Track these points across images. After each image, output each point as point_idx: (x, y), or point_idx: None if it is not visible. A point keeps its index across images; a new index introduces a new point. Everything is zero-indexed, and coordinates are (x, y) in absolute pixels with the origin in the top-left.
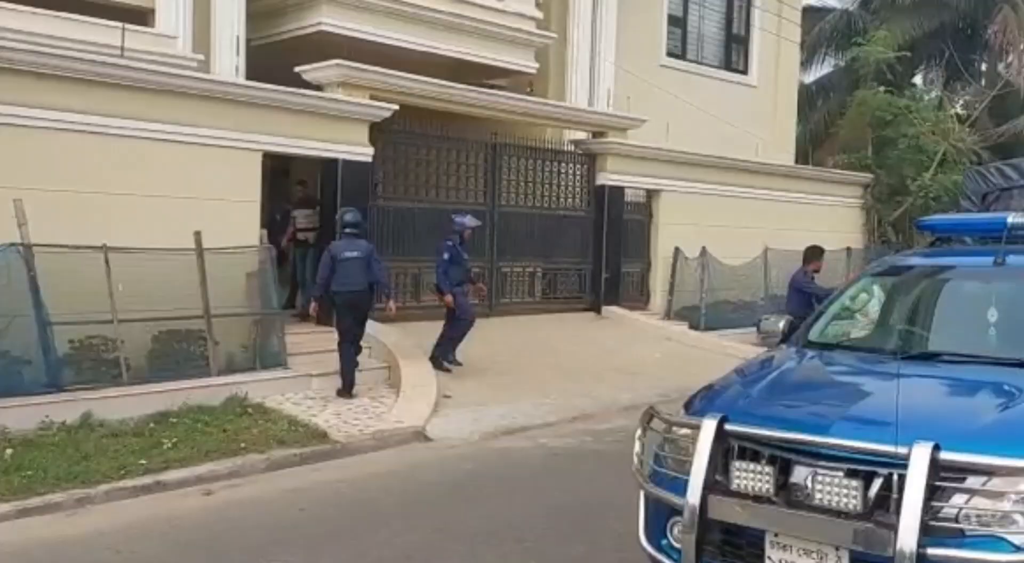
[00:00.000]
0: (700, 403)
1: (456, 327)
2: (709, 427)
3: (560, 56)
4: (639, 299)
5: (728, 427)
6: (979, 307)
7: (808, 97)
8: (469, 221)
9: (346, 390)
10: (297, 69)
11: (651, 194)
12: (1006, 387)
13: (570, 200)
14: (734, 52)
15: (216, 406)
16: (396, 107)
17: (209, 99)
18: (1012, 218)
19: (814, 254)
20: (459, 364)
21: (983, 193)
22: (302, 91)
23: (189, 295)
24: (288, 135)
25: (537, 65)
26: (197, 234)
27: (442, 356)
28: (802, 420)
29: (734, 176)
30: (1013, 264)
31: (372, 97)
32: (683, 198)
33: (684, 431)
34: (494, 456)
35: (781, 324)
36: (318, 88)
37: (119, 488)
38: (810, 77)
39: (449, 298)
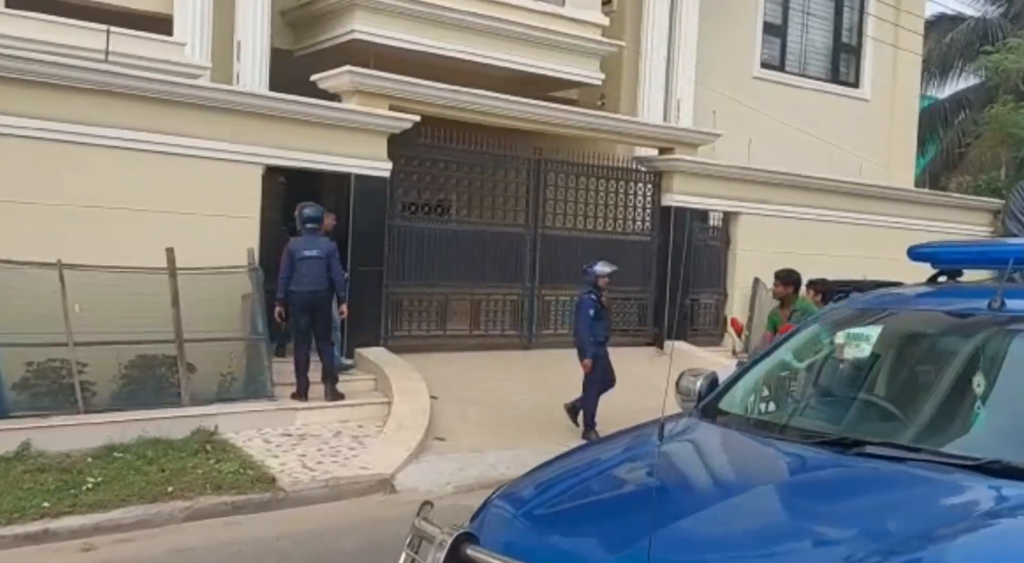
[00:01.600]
0: (484, 511)
1: (596, 390)
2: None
3: (634, 67)
4: (712, 333)
5: (470, 553)
6: (959, 371)
7: (942, 114)
8: (601, 268)
9: (300, 394)
10: (313, 77)
11: (728, 217)
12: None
13: (630, 223)
14: (843, 63)
15: (176, 439)
16: (416, 118)
17: (203, 108)
18: None
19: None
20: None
21: None
22: (307, 100)
23: (168, 318)
24: (293, 148)
25: (603, 76)
26: (169, 251)
27: (589, 427)
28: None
29: (831, 199)
30: (1014, 309)
31: (392, 108)
32: (766, 222)
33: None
34: (454, 513)
35: (699, 383)
36: (337, 98)
37: None
38: (946, 91)
39: (588, 363)
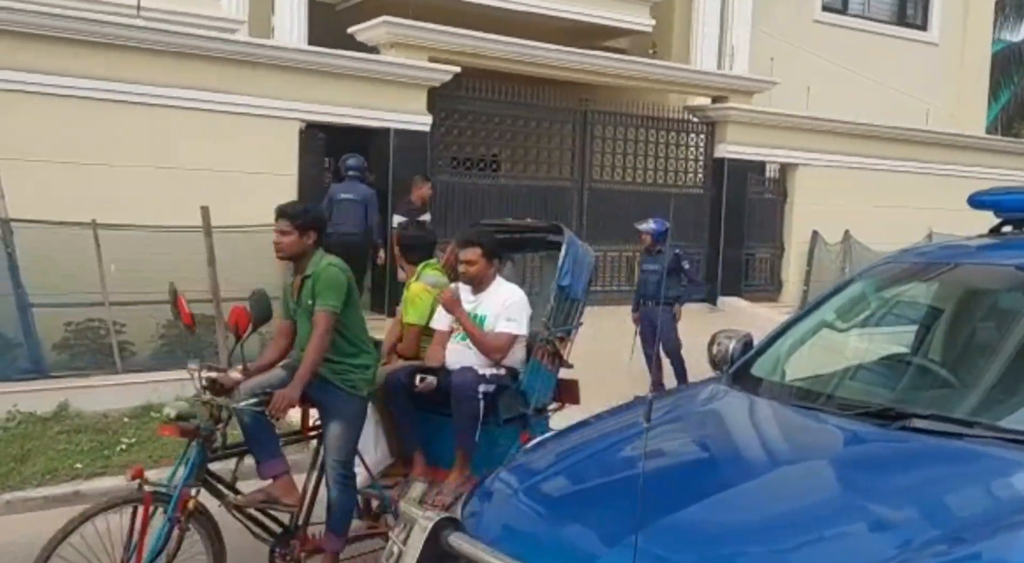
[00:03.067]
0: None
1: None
2: (414, 539)
3: (686, 13)
4: (768, 289)
5: (452, 540)
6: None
7: (1016, 58)
8: (646, 226)
9: None
10: (350, 30)
11: (785, 169)
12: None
13: (681, 175)
14: (910, 5)
15: None
16: (456, 69)
17: (237, 63)
18: None
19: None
20: None
21: None
22: (343, 52)
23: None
24: (330, 102)
25: (653, 22)
26: (204, 209)
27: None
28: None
29: (894, 148)
30: None
31: (432, 60)
32: (825, 173)
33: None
34: None
35: (731, 345)
36: (376, 51)
37: (27, 498)
38: (1021, 34)
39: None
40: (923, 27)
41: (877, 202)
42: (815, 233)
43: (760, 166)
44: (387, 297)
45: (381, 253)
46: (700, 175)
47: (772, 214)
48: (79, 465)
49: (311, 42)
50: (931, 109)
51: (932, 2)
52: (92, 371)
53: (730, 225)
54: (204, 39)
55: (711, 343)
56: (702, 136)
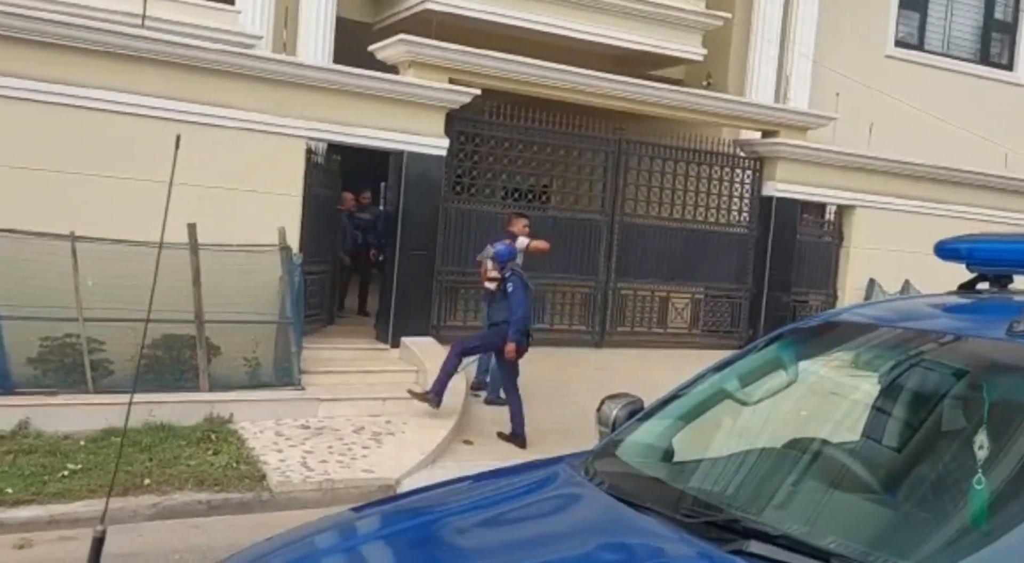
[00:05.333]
0: None
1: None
2: None
3: (744, 43)
4: None
5: None
6: (955, 429)
7: None
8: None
9: None
10: (371, 48)
11: (842, 210)
12: None
13: (724, 213)
14: (995, 43)
15: (183, 426)
16: (475, 91)
17: (241, 77)
18: None
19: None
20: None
21: None
22: (352, 70)
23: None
24: (342, 121)
25: (704, 51)
26: (191, 226)
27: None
28: None
29: (966, 193)
30: None
31: (454, 81)
32: (884, 216)
33: None
34: None
35: (614, 411)
36: (395, 70)
37: None
38: None
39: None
40: (1008, 67)
41: None
42: (872, 280)
43: (820, 208)
44: (390, 328)
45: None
46: (745, 213)
47: (827, 258)
48: (10, 490)
49: (337, 60)
50: (1011, 153)
51: (1020, 40)
52: (61, 389)
53: (777, 267)
54: (207, 51)
55: (599, 406)
56: (749, 172)
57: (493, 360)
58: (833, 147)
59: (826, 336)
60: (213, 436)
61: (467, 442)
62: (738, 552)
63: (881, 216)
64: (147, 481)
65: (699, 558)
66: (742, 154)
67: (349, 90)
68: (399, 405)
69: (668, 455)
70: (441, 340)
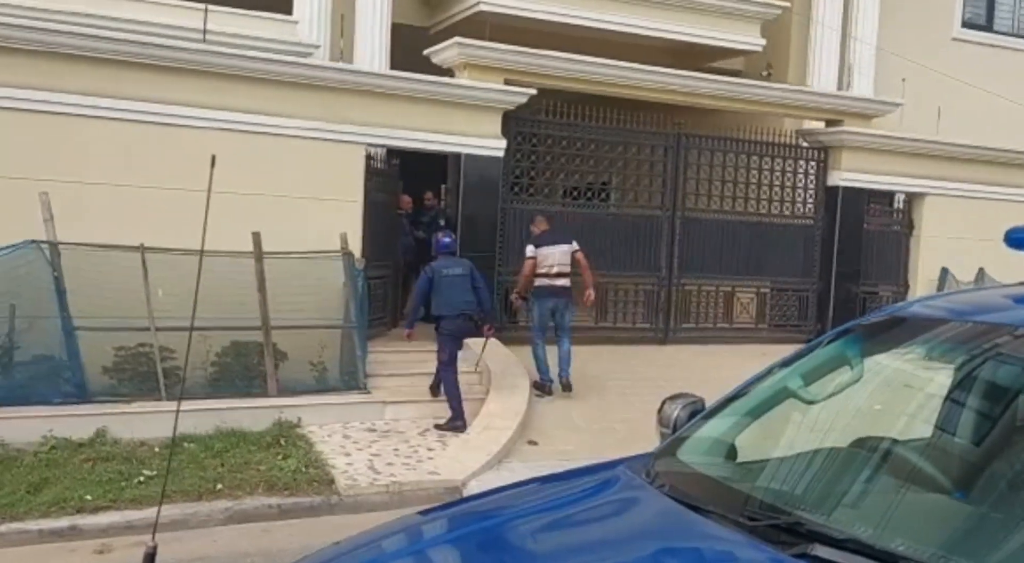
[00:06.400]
0: None
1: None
2: None
3: (804, 32)
4: None
5: None
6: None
7: None
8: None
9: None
10: (425, 52)
11: (912, 199)
12: None
13: (788, 205)
14: None
15: (253, 431)
16: (531, 91)
17: (300, 86)
18: None
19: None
20: None
21: None
22: (409, 75)
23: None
24: (399, 126)
25: (763, 42)
26: (255, 235)
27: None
28: None
29: None
30: None
31: (510, 82)
32: (957, 204)
33: None
34: None
35: (675, 413)
36: (450, 73)
37: (22, 530)
38: None
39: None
40: None
41: None
42: (944, 270)
43: (888, 196)
44: None
45: (490, 329)
46: (810, 205)
47: (896, 248)
48: (89, 497)
49: (394, 66)
50: None
51: None
52: (135, 397)
53: (845, 259)
54: (269, 62)
55: (660, 407)
56: (813, 163)
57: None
58: (899, 134)
59: (894, 331)
60: (282, 440)
61: (532, 443)
62: (802, 556)
63: (952, 203)
64: (219, 486)
65: (768, 558)
66: (805, 144)
67: (405, 95)
68: (464, 407)
69: (730, 456)
70: (503, 340)
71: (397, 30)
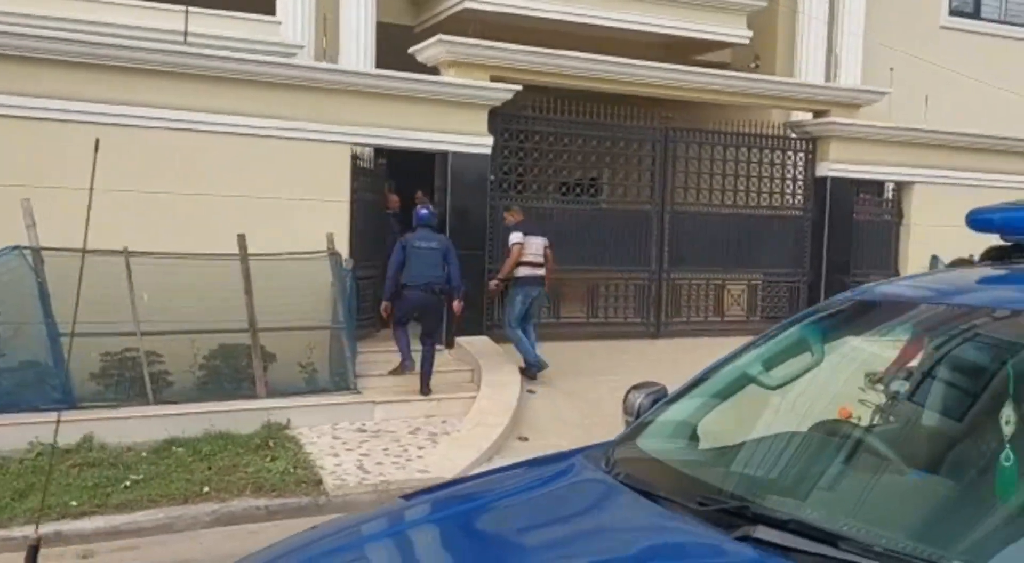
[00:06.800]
0: None
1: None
2: None
3: (790, 23)
4: None
5: None
6: (980, 406)
7: None
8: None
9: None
10: (410, 50)
11: (901, 187)
12: None
13: (777, 196)
14: None
15: (242, 434)
16: (516, 88)
17: (284, 86)
18: None
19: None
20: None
21: None
22: (393, 73)
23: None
24: (384, 125)
25: (750, 34)
26: (240, 237)
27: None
28: None
29: None
30: None
31: (495, 78)
32: (946, 192)
33: None
34: None
35: (638, 400)
36: (435, 71)
37: (7, 537)
38: None
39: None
40: None
41: None
42: (935, 258)
43: (878, 186)
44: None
45: (459, 303)
46: (800, 196)
47: (887, 237)
48: (74, 503)
49: (380, 65)
50: None
51: None
52: (122, 402)
53: (835, 249)
54: (251, 63)
55: (624, 397)
56: (801, 154)
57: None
58: (886, 123)
59: (854, 315)
60: (271, 442)
61: (523, 438)
62: (745, 538)
63: (941, 191)
64: (206, 489)
65: (701, 546)
66: (793, 136)
67: (389, 93)
68: (455, 405)
69: (687, 442)
70: (496, 339)
71: (384, 29)
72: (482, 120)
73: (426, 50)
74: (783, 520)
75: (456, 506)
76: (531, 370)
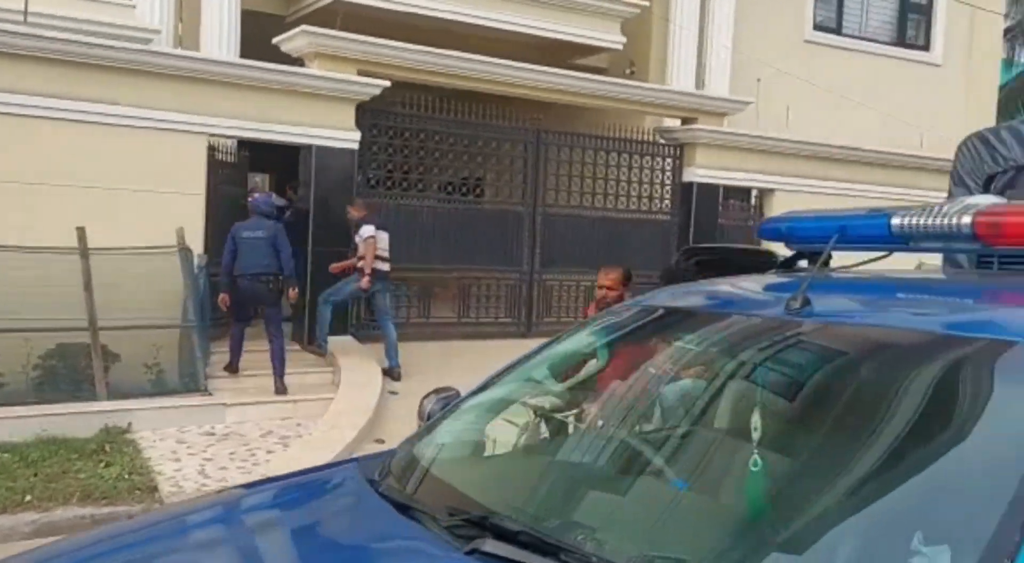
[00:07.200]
0: None
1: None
2: None
3: (664, 31)
4: None
5: None
6: (735, 416)
7: None
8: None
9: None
10: (275, 40)
11: (763, 194)
12: None
13: (646, 201)
14: (911, 25)
15: (77, 438)
16: (384, 83)
17: (136, 73)
18: (900, 217)
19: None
20: None
21: (989, 175)
22: (253, 63)
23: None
24: (244, 117)
25: (623, 39)
26: (80, 230)
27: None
28: None
29: (881, 173)
30: (822, 313)
31: (365, 73)
32: (804, 199)
33: None
34: None
35: (429, 406)
36: (301, 63)
37: None
38: None
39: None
40: (925, 47)
41: None
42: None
43: (745, 192)
44: (306, 328)
45: (293, 291)
46: (667, 200)
47: (749, 241)
48: None
49: (248, 55)
50: (933, 133)
51: (935, 21)
52: None
53: None
54: (96, 47)
55: (422, 401)
56: (669, 159)
57: None
58: (749, 131)
59: (638, 321)
60: (107, 447)
61: (379, 441)
62: (472, 552)
63: (799, 199)
64: (28, 498)
65: (431, 560)
66: (663, 141)
67: (251, 84)
68: (312, 406)
69: (460, 450)
70: (360, 339)
71: (254, 18)
72: (348, 114)
73: (291, 41)
74: (514, 532)
75: (208, 515)
76: (394, 371)
